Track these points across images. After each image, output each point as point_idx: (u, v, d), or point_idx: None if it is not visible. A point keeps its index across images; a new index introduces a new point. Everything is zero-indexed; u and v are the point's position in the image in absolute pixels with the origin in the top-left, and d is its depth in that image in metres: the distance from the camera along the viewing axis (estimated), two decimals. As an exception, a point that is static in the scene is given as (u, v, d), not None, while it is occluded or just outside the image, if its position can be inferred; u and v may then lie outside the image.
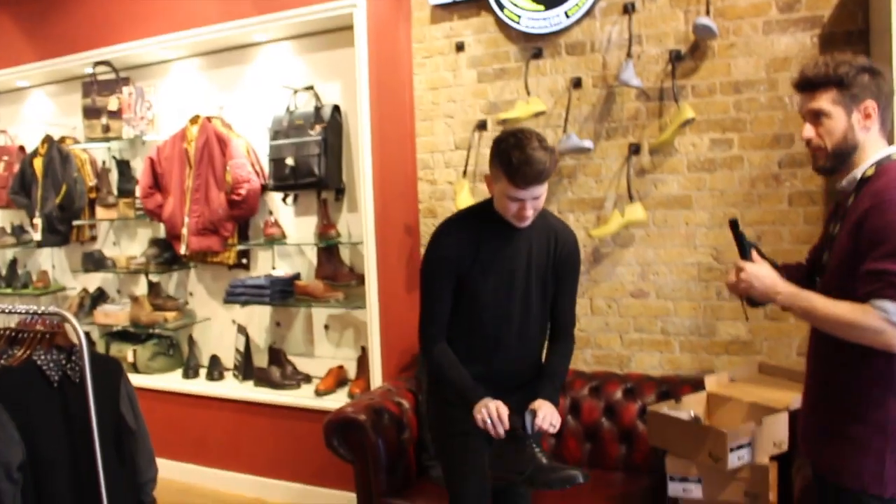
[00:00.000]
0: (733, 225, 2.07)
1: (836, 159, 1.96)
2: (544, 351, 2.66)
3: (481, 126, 3.69)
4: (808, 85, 1.97)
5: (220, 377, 4.43)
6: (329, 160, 3.84)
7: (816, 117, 1.95)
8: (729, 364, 3.30)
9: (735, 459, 2.52)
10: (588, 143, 3.35)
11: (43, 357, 2.53)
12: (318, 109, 3.88)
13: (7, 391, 2.45)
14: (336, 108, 3.89)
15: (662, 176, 3.41)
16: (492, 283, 2.50)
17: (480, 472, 2.51)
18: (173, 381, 4.50)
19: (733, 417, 2.68)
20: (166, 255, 4.47)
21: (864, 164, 1.94)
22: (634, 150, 3.41)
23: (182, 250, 4.24)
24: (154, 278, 4.65)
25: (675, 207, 3.40)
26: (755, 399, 2.74)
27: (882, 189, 1.84)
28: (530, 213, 2.39)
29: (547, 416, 2.37)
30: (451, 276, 2.50)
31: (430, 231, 3.88)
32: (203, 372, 4.53)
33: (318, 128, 3.82)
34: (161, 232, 4.56)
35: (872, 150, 1.94)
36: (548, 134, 3.56)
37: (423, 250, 3.87)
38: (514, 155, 2.29)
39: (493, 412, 2.33)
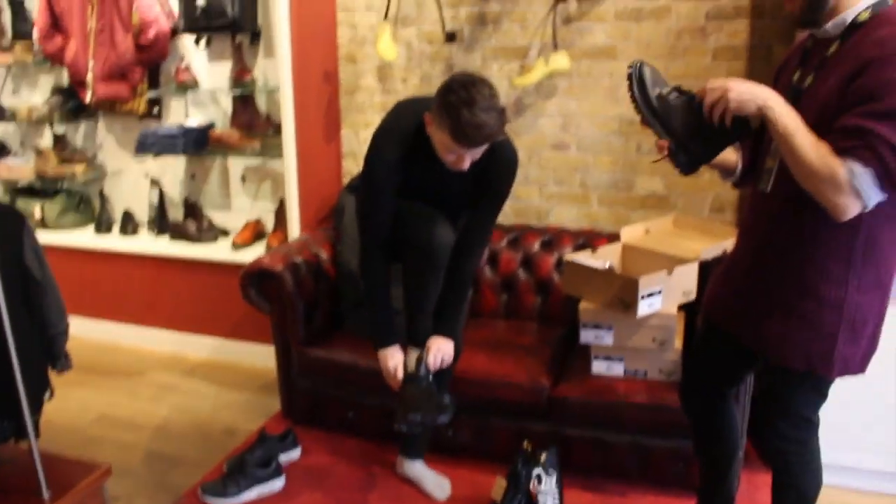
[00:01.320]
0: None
1: (811, 8, 1.73)
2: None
3: (404, -34, 3.49)
4: None
5: (134, 232, 4.28)
6: (243, 0, 3.59)
7: None
8: (645, 218, 3.32)
9: (645, 307, 2.56)
10: (514, -12, 3.20)
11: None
12: (230, -55, 3.60)
13: None
14: (250, -56, 3.62)
15: (589, 24, 3.30)
16: (418, 193, 2.57)
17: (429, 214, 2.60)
18: (85, 237, 4.33)
19: (647, 267, 2.70)
20: (71, 104, 4.20)
21: (855, 7, 1.70)
22: (561, -5, 3.28)
23: (88, 98, 3.97)
24: (59, 129, 4.39)
25: (600, 58, 3.31)
26: (668, 250, 2.78)
27: (888, 38, 1.61)
28: (467, 165, 2.33)
29: (437, 355, 2.57)
30: (391, 192, 2.50)
31: (349, 79, 3.75)
32: (116, 227, 4.37)
33: (229, -35, 3.56)
34: (64, 79, 4.27)
35: None
36: (472, -25, 3.40)
37: (341, 98, 3.78)
38: (463, 115, 2.16)
39: (389, 373, 2.60)
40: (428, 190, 2.56)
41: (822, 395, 1.93)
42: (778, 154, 1.79)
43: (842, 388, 2.09)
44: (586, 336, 2.75)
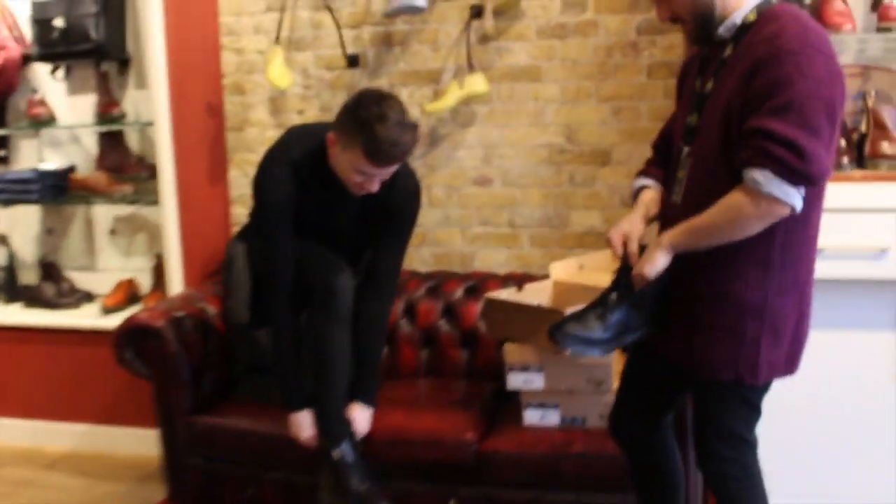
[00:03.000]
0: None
1: (702, 27, 2.21)
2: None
3: (297, -18, 3.94)
4: None
5: (-24, 301, 4.52)
6: (110, 22, 3.95)
7: None
8: (584, 257, 3.75)
9: (577, 343, 2.95)
10: (421, 2, 3.65)
11: None
12: (94, -41, 3.99)
13: None
14: (117, -41, 4.02)
15: (508, 44, 3.78)
16: (311, 225, 2.92)
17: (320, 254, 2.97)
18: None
19: (580, 303, 3.10)
20: None
21: (742, 10, 2.16)
22: (476, 12, 3.74)
23: (-79, 139, 4.27)
24: None
25: (522, 80, 3.78)
26: (603, 284, 3.18)
27: (776, 35, 2.06)
28: (377, 187, 2.74)
29: (357, 427, 2.99)
30: (289, 226, 2.86)
31: (237, 111, 4.13)
32: (-46, 297, 4.60)
33: (94, -18, 3.94)
34: None
35: None
36: (376, -8, 3.86)
37: (228, 134, 4.15)
38: (378, 131, 2.56)
39: (302, 442, 2.99)
40: (323, 226, 2.94)
41: (755, 410, 2.35)
42: (687, 165, 2.28)
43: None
44: (514, 381, 3.12)
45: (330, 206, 2.86)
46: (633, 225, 2.42)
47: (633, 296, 2.31)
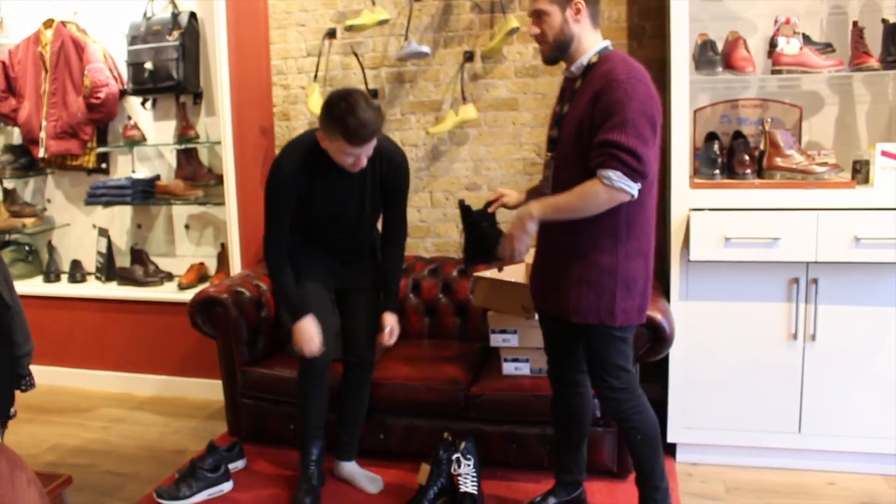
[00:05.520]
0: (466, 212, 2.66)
1: (557, 50, 2.42)
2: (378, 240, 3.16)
3: (331, 34, 4.01)
4: None
5: (83, 280, 4.59)
6: (187, 65, 4.04)
7: (539, 16, 2.40)
8: (549, 246, 3.84)
9: (542, 310, 3.04)
10: (425, 49, 3.74)
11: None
12: (175, 16, 4.06)
13: None
14: (193, 15, 4.09)
15: (493, 81, 3.86)
16: (325, 206, 2.94)
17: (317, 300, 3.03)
18: (34, 285, 4.61)
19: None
20: (22, 160, 4.55)
21: (589, 53, 2.38)
22: (468, 57, 3.84)
23: (41, 154, 4.33)
24: (9, 185, 4.73)
25: (503, 109, 3.87)
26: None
27: (610, 71, 2.28)
28: (364, 162, 2.79)
29: (392, 330, 3.05)
30: (290, 202, 2.90)
31: (283, 133, 4.21)
32: (64, 277, 4.67)
33: (175, 33, 4.00)
34: (14, 138, 4.64)
35: (588, 41, 2.39)
36: (391, 42, 3.94)
37: (277, 151, 4.20)
38: (349, 120, 2.63)
39: (310, 339, 2.92)
40: (334, 200, 2.95)
41: (627, 345, 2.49)
42: (552, 166, 2.47)
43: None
44: (495, 340, 3.21)
45: (340, 184, 2.91)
46: (511, 192, 2.77)
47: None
